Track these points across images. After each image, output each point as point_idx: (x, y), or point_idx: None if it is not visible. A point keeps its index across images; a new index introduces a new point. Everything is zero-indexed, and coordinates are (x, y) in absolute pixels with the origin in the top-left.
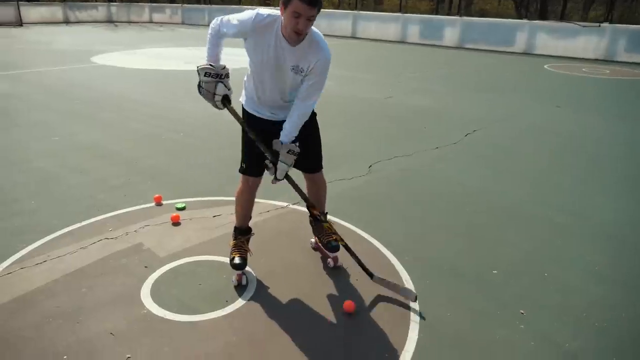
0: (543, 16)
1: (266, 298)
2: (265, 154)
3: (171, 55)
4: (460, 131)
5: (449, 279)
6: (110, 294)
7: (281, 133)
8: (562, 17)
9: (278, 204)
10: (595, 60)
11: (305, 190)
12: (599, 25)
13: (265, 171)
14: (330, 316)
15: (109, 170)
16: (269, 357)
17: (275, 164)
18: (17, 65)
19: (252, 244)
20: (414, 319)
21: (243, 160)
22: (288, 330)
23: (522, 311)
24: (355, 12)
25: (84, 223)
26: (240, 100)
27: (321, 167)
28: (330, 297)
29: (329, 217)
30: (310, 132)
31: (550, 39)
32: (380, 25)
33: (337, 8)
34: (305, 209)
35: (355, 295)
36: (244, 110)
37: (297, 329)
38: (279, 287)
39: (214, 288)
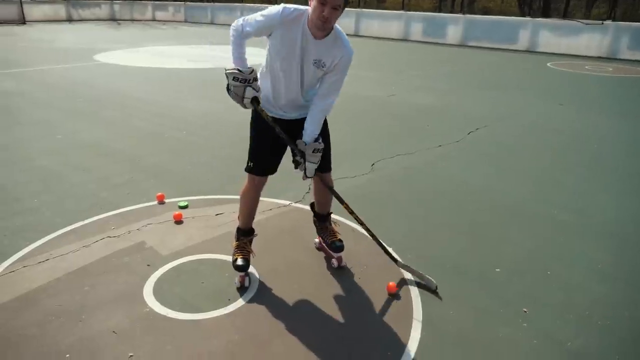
0: (546, 14)
1: (269, 297)
2: (294, 151)
3: (174, 53)
4: (463, 129)
5: (452, 277)
6: (113, 292)
7: (304, 134)
8: (565, 15)
9: (281, 202)
10: (598, 58)
11: (312, 190)
12: (602, 23)
13: (294, 169)
14: (333, 315)
15: (111, 168)
16: (272, 356)
17: (304, 163)
18: (20, 63)
19: (255, 242)
20: (417, 317)
21: (250, 159)
22: (291, 329)
23: (524, 309)
24: (358, 9)
25: (86, 221)
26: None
27: (330, 168)
28: (333, 296)
29: (332, 216)
30: (320, 132)
31: (553, 36)
32: (383, 23)
33: None
34: (308, 207)
35: (358, 295)
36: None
37: (300, 328)
38: (282, 285)
39: (217, 286)
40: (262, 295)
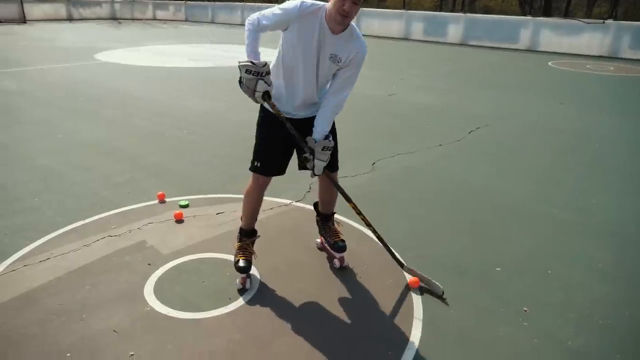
0: (547, 13)
1: (270, 296)
2: (304, 148)
3: (175, 52)
4: (464, 128)
5: (453, 276)
6: (114, 291)
7: (314, 131)
8: (566, 14)
9: (281, 201)
10: (600, 57)
11: (317, 189)
12: (603, 22)
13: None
14: (334, 315)
15: (112, 167)
16: (273, 355)
17: (312, 160)
18: (21, 62)
19: (256, 241)
20: (418, 316)
21: (256, 159)
22: (292, 328)
23: (525, 308)
24: (353, 27)
25: (87, 220)
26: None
27: (337, 167)
28: (334, 295)
29: (336, 216)
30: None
31: (554, 35)
32: (383, 22)
33: None
34: (309, 207)
35: (359, 294)
36: (263, 106)
37: (301, 327)
38: (283, 285)
39: (218, 285)
40: (263, 294)
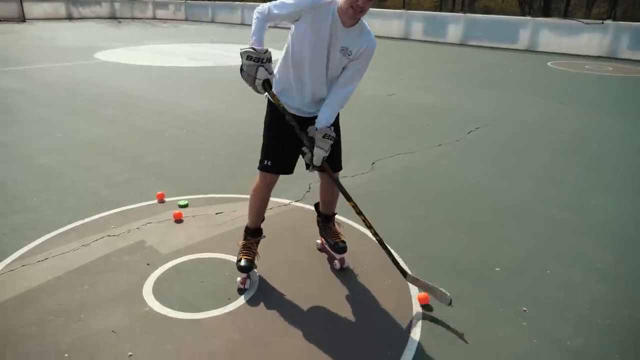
0: (546, 13)
1: (269, 296)
2: (303, 140)
3: (175, 51)
4: (464, 129)
5: (452, 276)
6: (113, 291)
7: (317, 120)
8: (566, 14)
9: (281, 201)
10: (599, 58)
11: (319, 190)
12: (602, 23)
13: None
14: (333, 315)
15: (112, 166)
16: (272, 355)
17: (311, 150)
18: (20, 61)
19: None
20: (417, 316)
21: (265, 157)
22: (291, 328)
23: (524, 309)
24: (363, 22)
25: (86, 220)
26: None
27: (341, 168)
28: (333, 295)
29: (337, 217)
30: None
31: (554, 36)
32: (383, 21)
33: None
34: (308, 207)
35: (358, 294)
36: (270, 103)
37: (300, 327)
38: (282, 285)
39: (217, 285)
40: (263, 294)
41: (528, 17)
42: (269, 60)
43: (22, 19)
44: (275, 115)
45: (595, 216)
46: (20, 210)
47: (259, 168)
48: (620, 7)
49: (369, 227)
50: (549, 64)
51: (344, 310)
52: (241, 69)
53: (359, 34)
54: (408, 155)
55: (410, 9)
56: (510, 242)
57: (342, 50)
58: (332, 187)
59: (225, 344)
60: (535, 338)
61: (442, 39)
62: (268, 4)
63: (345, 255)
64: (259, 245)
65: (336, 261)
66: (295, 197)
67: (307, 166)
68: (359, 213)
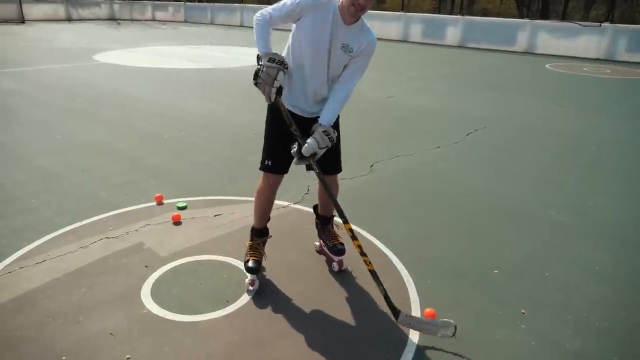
0: (544, 15)
1: (267, 298)
2: (295, 134)
3: (174, 53)
4: (462, 131)
5: (450, 278)
6: (111, 293)
7: (320, 118)
8: (564, 17)
9: (279, 203)
10: (596, 60)
11: (317, 192)
12: (600, 25)
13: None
14: (332, 317)
15: (111, 168)
16: (271, 357)
17: (303, 140)
18: (19, 62)
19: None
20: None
21: (266, 157)
22: (289, 330)
23: (523, 311)
24: (363, 19)
25: (85, 222)
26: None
27: (340, 170)
28: (331, 297)
29: (335, 219)
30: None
31: (552, 38)
32: (382, 24)
33: None
34: (307, 209)
35: (357, 296)
36: (270, 106)
37: (298, 329)
38: (281, 287)
39: (215, 288)
40: (261, 296)
41: (526, 20)
42: (286, 67)
43: (22, 20)
44: (276, 115)
45: (593, 218)
46: (18, 212)
47: (260, 169)
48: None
49: (362, 254)
50: (547, 66)
51: (343, 313)
52: (257, 73)
53: (360, 32)
54: (407, 158)
55: (408, 11)
56: (509, 244)
57: (343, 47)
58: (329, 189)
59: (224, 347)
60: (533, 340)
61: (440, 41)
62: (267, 8)
63: (343, 258)
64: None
65: (335, 263)
66: (293, 199)
67: (307, 168)
68: (354, 238)
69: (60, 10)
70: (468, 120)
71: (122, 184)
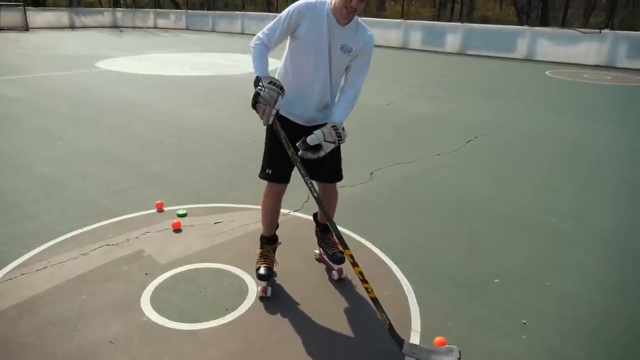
0: (544, 22)
1: (267, 307)
2: (294, 158)
3: (176, 60)
4: (462, 138)
5: (450, 287)
6: (111, 301)
7: (331, 117)
8: (563, 24)
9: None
10: (597, 67)
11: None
12: (600, 32)
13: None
14: (331, 326)
15: (112, 175)
16: None
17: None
18: (22, 69)
19: (253, 251)
20: (415, 328)
21: (267, 167)
22: (289, 339)
23: (524, 321)
24: (357, 18)
25: (85, 229)
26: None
27: (341, 177)
28: (331, 306)
29: None
30: None
31: (552, 45)
32: (382, 31)
33: None
34: (307, 216)
35: (356, 305)
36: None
37: (298, 338)
38: (281, 295)
39: (215, 296)
40: (261, 305)
41: (526, 27)
42: (284, 92)
43: (26, 28)
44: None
45: (594, 226)
46: (20, 219)
47: (260, 177)
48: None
49: (364, 280)
50: (547, 73)
51: (342, 322)
52: (257, 94)
53: (356, 31)
54: (407, 165)
55: (408, 19)
56: (509, 252)
57: (342, 48)
58: (329, 196)
59: (223, 355)
60: (535, 352)
61: (440, 48)
62: (262, 31)
63: (343, 266)
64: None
65: (334, 272)
66: (293, 207)
67: (298, 150)
68: (355, 264)
69: (63, 17)
70: (468, 127)
71: (123, 191)
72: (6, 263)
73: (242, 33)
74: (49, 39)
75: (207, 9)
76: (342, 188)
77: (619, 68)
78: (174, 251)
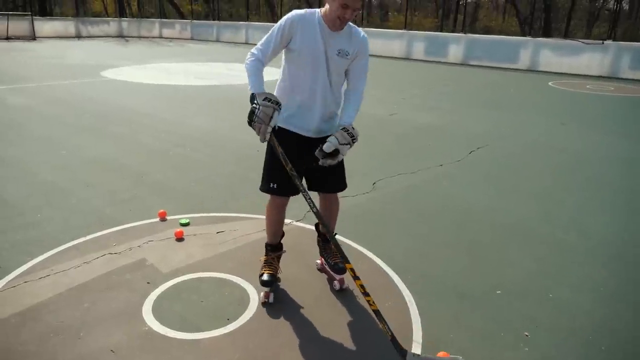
0: (547, 33)
1: (269, 316)
2: (292, 174)
3: (181, 70)
4: (465, 148)
5: (452, 298)
6: (113, 309)
7: (340, 121)
8: (566, 35)
9: None
10: (600, 77)
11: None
12: (603, 43)
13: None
14: (333, 336)
15: (116, 184)
16: None
17: (301, 183)
18: (28, 78)
19: (254, 260)
20: (417, 339)
21: (271, 181)
22: (291, 349)
23: (526, 333)
24: (360, 28)
25: (88, 237)
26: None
27: (345, 186)
28: (333, 316)
29: (337, 237)
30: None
31: (554, 56)
32: (385, 41)
33: None
34: (309, 226)
35: (358, 315)
36: (276, 129)
37: (299, 348)
38: (282, 305)
39: (217, 305)
40: (262, 314)
41: (528, 37)
42: (280, 106)
43: (33, 37)
44: (278, 137)
45: (597, 237)
46: (23, 227)
47: (263, 190)
48: (621, 28)
49: (365, 293)
50: (550, 83)
51: (344, 333)
52: (252, 112)
53: (350, 35)
54: (409, 175)
55: (411, 29)
56: (512, 263)
57: (339, 53)
58: (330, 207)
59: None
60: None
61: (443, 58)
62: (253, 49)
63: (344, 276)
64: (259, 265)
65: (336, 282)
66: (296, 217)
67: (317, 160)
68: (356, 278)
69: (70, 27)
70: (471, 138)
71: (127, 199)
72: (9, 271)
73: (246, 43)
74: (55, 48)
75: (212, 19)
76: (344, 198)
77: (622, 79)
78: (176, 260)
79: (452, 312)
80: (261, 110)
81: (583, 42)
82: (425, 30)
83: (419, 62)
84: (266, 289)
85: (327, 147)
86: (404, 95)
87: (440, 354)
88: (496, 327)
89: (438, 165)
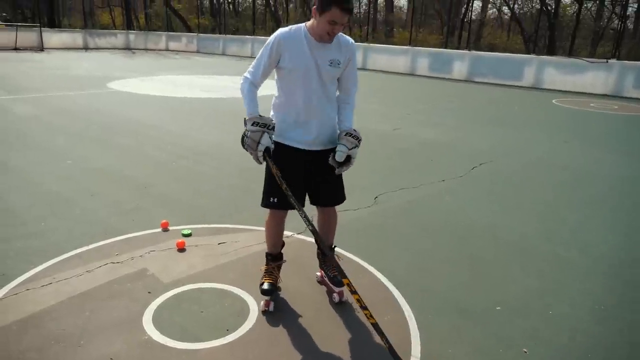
0: (551, 51)
1: (268, 328)
2: (287, 193)
3: (187, 83)
4: (468, 164)
5: (452, 313)
6: (114, 318)
7: (340, 126)
8: (570, 53)
9: None
10: (604, 96)
11: (316, 223)
12: (607, 62)
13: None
14: (331, 349)
15: (120, 194)
16: None
17: (300, 206)
18: (36, 89)
19: (255, 272)
20: (415, 354)
21: (272, 196)
22: None
23: (525, 350)
24: (365, 44)
25: (91, 246)
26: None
27: (344, 198)
28: (332, 329)
29: (337, 249)
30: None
31: (558, 74)
32: (390, 57)
33: None
34: (310, 239)
35: (357, 329)
36: (275, 144)
37: (298, 359)
38: (282, 316)
39: (217, 316)
40: (261, 325)
41: (533, 55)
42: (273, 128)
43: (41, 48)
44: (278, 152)
45: (598, 255)
46: (26, 236)
47: (265, 206)
48: (625, 47)
49: (364, 307)
50: (554, 101)
51: (342, 345)
52: (244, 136)
53: (339, 45)
54: (411, 190)
55: (416, 46)
56: (513, 279)
57: (331, 63)
58: (329, 221)
59: None
60: None
61: (447, 75)
62: (246, 73)
63: (344, 289)
64: (259, 277)
65: (335, 294)
66: (296, 229)
67: (333, 169)
68: (354, 292)
69: (78, 38)
70: (474, 154)
71: (130, 210)
72: (12, 278)
73: (252, 56)
74: (63, 59)
75: (218, 33)
76: (346, 212)
77: (626, 97)
78: (178, 270)
79: (452, 327)
80: (249, 136)
81: (587, 61)
82: (430, 47)
83: (423, 78)
84: (266, 298)
85: (339, 156)
86: (408, 110)
87: None
88: (496, 343)
89: (441, 180)
